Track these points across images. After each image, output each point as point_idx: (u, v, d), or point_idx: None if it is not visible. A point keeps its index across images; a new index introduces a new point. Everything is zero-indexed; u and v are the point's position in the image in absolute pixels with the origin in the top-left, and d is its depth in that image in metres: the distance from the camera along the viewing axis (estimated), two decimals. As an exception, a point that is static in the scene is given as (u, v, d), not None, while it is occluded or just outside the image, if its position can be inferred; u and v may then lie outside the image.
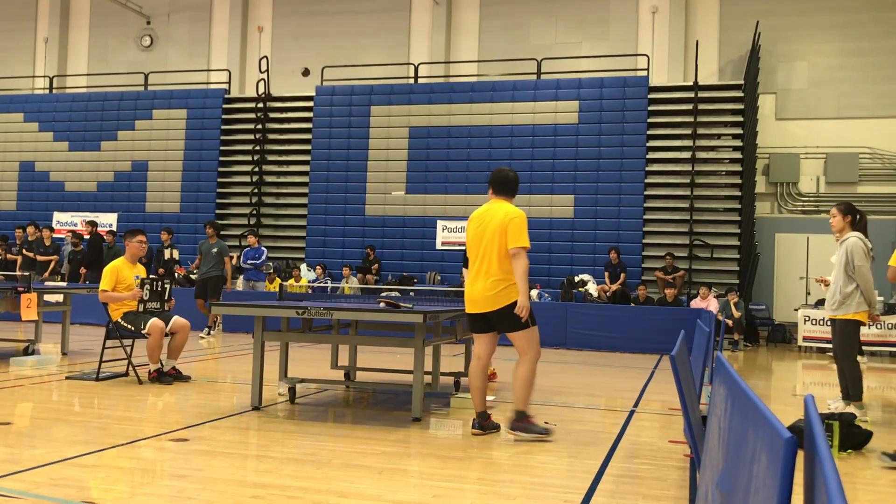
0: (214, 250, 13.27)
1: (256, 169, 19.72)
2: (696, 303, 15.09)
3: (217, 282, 13.20)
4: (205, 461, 4.84)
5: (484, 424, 5.89)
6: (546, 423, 6.46)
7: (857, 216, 7.42)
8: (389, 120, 18.76)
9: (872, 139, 17.64)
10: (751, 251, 17.05)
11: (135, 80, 21.29)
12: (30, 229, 16.77)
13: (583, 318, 13.92)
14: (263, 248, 16.39)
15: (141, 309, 8.07)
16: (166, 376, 8.00)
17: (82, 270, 16.30)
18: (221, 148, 20.01)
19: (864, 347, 12.79)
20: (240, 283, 17.37)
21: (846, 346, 7.25)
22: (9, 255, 17.04)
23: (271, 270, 16.80)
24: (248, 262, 16.22)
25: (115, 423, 5.90)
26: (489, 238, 5.75)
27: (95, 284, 11.66)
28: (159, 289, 8.30)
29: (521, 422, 5.69)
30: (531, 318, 5.77)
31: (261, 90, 19.94)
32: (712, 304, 14.71)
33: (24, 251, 16.47)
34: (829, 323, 7.46)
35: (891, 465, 5.37)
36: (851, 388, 7.38)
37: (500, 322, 5.83)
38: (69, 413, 6.46)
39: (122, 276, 8.17)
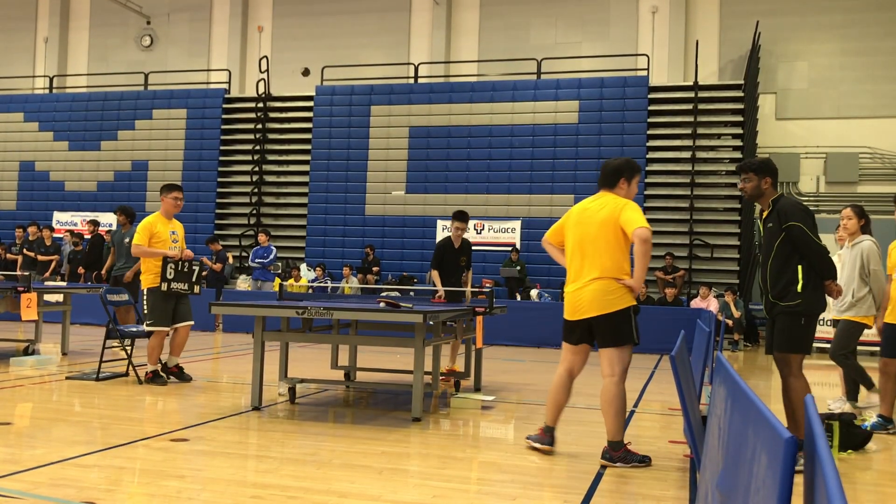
0: (127, 240, 11.11)
1: (256, 169, 19.72)
2: (696, 303, 15.09)
3: (132, 281, 10.86)
4: (205, 461, 4.84)
5: (546, 439, 5.26)
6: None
7: (866, 219, 7.49)
8: (389, 120, 18.76)
9: (872, 139, 17.64)
10: (751, 251, 17.05)
11: (135, 80, 21.29)
12: (31, 229, 16.74)
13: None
14: (273, 248, 16.26)
15: (165, 288, 7.74)
16: (160, 377, 7.85)
17: (81, 270, 16.27)
18: (221, 148, 20.01)
19: (864, 347, 12.79)
20: (244, 283, 17.36)
21: (845, 345, 7.29)
22: (9, 255, 17.02)
23: (279, 271, 16.71)
24: (256, 260, 16.12)
25: (115, 423, 5.90)
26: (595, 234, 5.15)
27: (96, 285, 11.67)
28: (186, 269, 7.91)
29: (619, 451, 5.00)
30: (637, 333, 5.18)
31: (261, 90, 19.94)
32: (712, 304, 14.71)
33: (24, 251, 16.45)
34: (830, 323, 7.52)
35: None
36: (860, 380, 7.47)
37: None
38: (69, 413, 6.46)
39: (156, 231, 7.87)
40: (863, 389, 7.88)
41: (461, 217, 9.04)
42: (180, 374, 8.02)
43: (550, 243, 5.57)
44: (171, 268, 7.81)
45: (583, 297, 5.17)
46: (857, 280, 7.17)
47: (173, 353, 8.06)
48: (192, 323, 8.17)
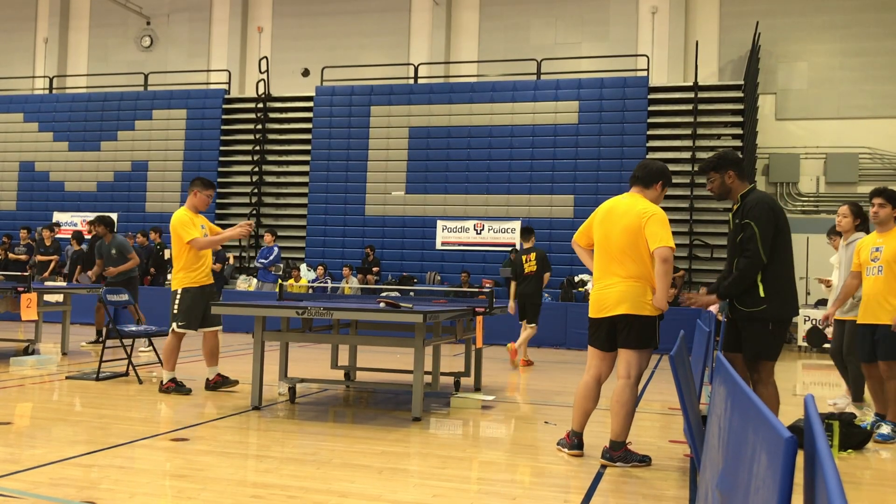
0: (113, 251, 11.03)
1: (256, 169, 19.72)
2: (696, 303, 15.08)
3: (128, 284, 10.91)
4: (205, 461, 4.84)
5: (575, 443, 5.24)
6: (546, 422, 6.48)
7: (864, 217, 7.47)
8: (389, 120, 18.76)
9: (872, 139, 17.64)
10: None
11: (135, 81, 21.29)
12: (45, 232, 16.60)
13: (583, 318, 13.81)
14: (276, 248, 16.27)
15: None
16: (183, 386, 7.38)
17: (78, 269, 16.21)
18: (221, 148, 20.00)
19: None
20: (244, 283, 17.36)
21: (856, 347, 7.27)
22: (10, 255, 17.01)
23: (281, 272, 16.72)
24: (259, 261, 16.20)
25: (115, 423, 5.90)
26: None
27: (95, 285, 11.64)
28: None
29: (619, 451, 4.99)
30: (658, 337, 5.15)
31: (261, 90, 19.94)
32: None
33: (39, 254, 16.35)
34: (830, 323, 7.49)
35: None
36: (854, 387, 7.45)
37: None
38: (69, 413, 6.46)
39: (194, 223, 7.43)
40: (839, 391, 7.89)
41: None
42: (225, 383, 7.48)
43: (580, 245, 5.42)
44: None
45: (610, 295, 5.06)
46: None
47: (210, 364, 7.58)
48: (221, 328, 7.80)
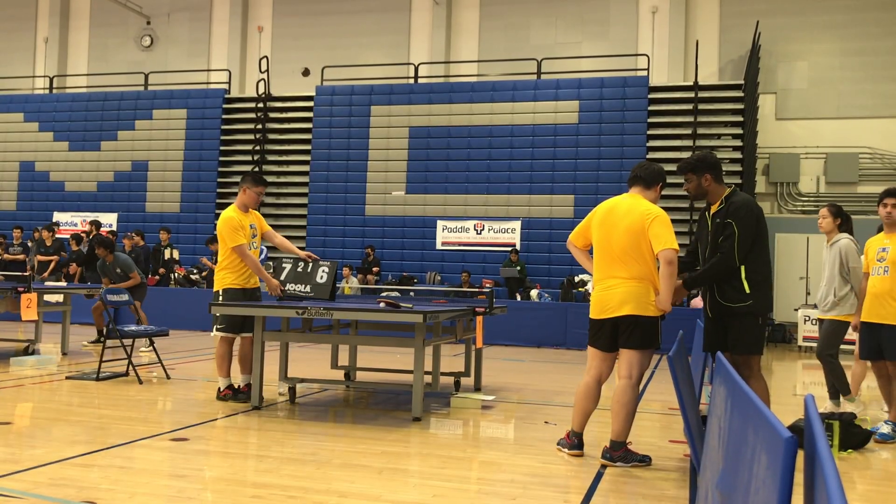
0: (118, 270, 11.03)
1: (256, 169, 19.70)
2: (696, 303, 15.07)
3: (136, 289, 10.97)
4: (205, 461, 4.84)
5: (575, 444, 5.24)
6: (546, 422, 6.48)
7: (845, 218, 7.51)
8: (389, 120, 18.76)
9: (872, 139, 17.63)
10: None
11: (135, 80, 21.29)
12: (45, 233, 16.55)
13: (583, 319, 13.80)
14: (264, 248, 16.24)
15: (279, 292, 7.03)
16: (241, 394, 6.95)
17: (73, 269, 16.16)
18: (221, 148, 20.00)
19: (849, 346, 12.80)
20: None
21: (830, 344, 7.27)
22: (6, 256, 16.97)
23: (272, 270, 16.65)
24: None
25: (115, 423, 5.90)
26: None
27: (95, 285, 11.64)
28: (308, 269, 7.13)
29: (619, 451, 5.01)
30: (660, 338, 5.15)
31: (261, 90, 19.94)
32: (712, 304, 14.67)
33: (40, 255, 16.30)
34: (815, 322, 7.44)
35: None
36: (838, 384, 7.44)
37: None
38: (69, 413, 6.46)
39: (243, 225, 7.00)
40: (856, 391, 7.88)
41: None
42: (249, 394, 6.93)
43: (575, 246, 5.40)
44: (285, 267, 7.11)
45: (612, 296, 5.05)
46: (837, 279, 7.16)
47: (243, 371, 7.07)
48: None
